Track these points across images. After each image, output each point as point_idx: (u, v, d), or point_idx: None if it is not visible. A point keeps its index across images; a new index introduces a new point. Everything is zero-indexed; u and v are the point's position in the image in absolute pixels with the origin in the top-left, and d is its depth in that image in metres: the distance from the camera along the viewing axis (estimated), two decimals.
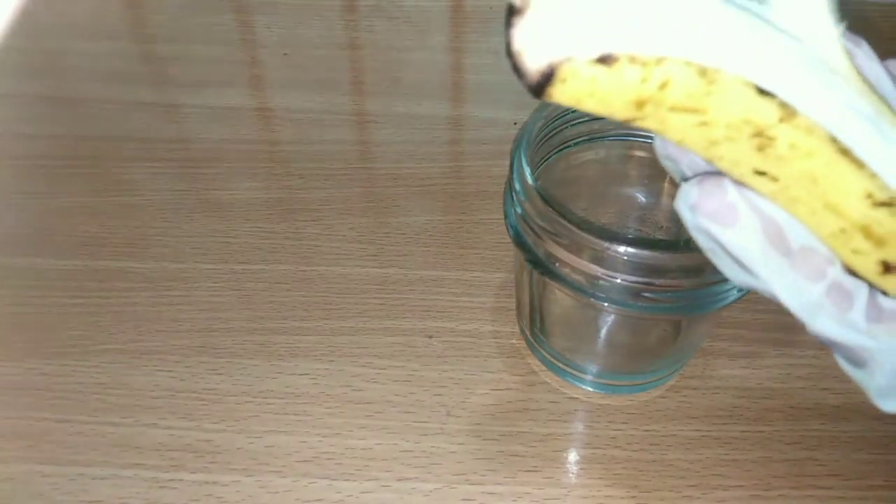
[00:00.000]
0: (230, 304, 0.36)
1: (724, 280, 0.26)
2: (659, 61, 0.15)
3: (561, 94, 0.16)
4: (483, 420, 0.32)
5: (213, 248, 0.39)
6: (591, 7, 0.15)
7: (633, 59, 0.15)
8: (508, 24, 0.16)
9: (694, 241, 0.30)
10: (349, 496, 0.30)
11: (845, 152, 0.16)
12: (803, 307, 0.17)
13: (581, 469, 0.31)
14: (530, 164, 0.27)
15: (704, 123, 0.16)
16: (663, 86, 0.16)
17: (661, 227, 0.35)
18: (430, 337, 0.35)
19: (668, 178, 0.34)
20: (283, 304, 0.36)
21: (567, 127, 0.31)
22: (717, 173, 0.17)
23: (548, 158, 0.31)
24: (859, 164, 0.16)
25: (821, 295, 0.17)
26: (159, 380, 0.34)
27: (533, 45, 0.15)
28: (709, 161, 0.17)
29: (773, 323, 0.35)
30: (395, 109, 0.46)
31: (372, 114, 0.46)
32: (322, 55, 0.49)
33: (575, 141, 0.32)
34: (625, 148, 0.33)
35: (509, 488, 0.30)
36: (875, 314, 0.18)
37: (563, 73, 0.15)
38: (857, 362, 0.18)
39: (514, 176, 0.28)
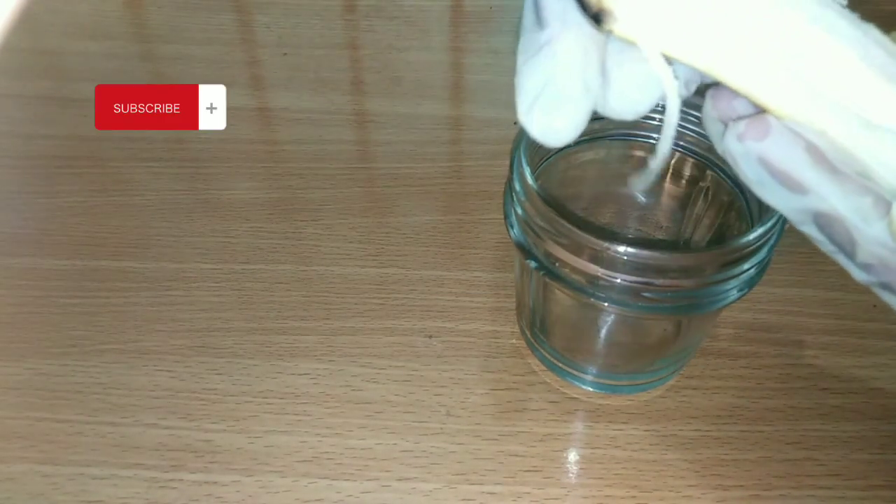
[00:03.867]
0: (230, 304, 0.36)
1: (724, 280, 0.26)
2: None
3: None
4: (483, 420, 0.32)
5: (213, 248, 0.39)
6: None
7: None
8: None
9: (694, 242, 0.30)
10: (349, 496, 0.30)
11: None
12: (860, 215, 0.18)
13: (581, 469, 0.31)
14: (530, 164, 0.27)
15: None
16: None
17: (661, 227, 0.35)
18: (430, 337, 0.35)
19: (668, 178, 0.34)
20: (283, 304, 0.36)
21: None
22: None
23: (548, 158, 0.31)
24: None
25: (870, 206, 0.18)
26: (159, 380, 0.34)
27: None
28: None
29: (773, 323, 0.35)
30: (395, 109, 0.46)
31: (372, 114, 0.46)
32: (322, 55, 0.49)
33: (575, 141, 0.32)
34: (625, 148, 0.33)
35: (509, 488, 0.30)
36: None
37: None
38: None
39: (514, 176, 0.28)
